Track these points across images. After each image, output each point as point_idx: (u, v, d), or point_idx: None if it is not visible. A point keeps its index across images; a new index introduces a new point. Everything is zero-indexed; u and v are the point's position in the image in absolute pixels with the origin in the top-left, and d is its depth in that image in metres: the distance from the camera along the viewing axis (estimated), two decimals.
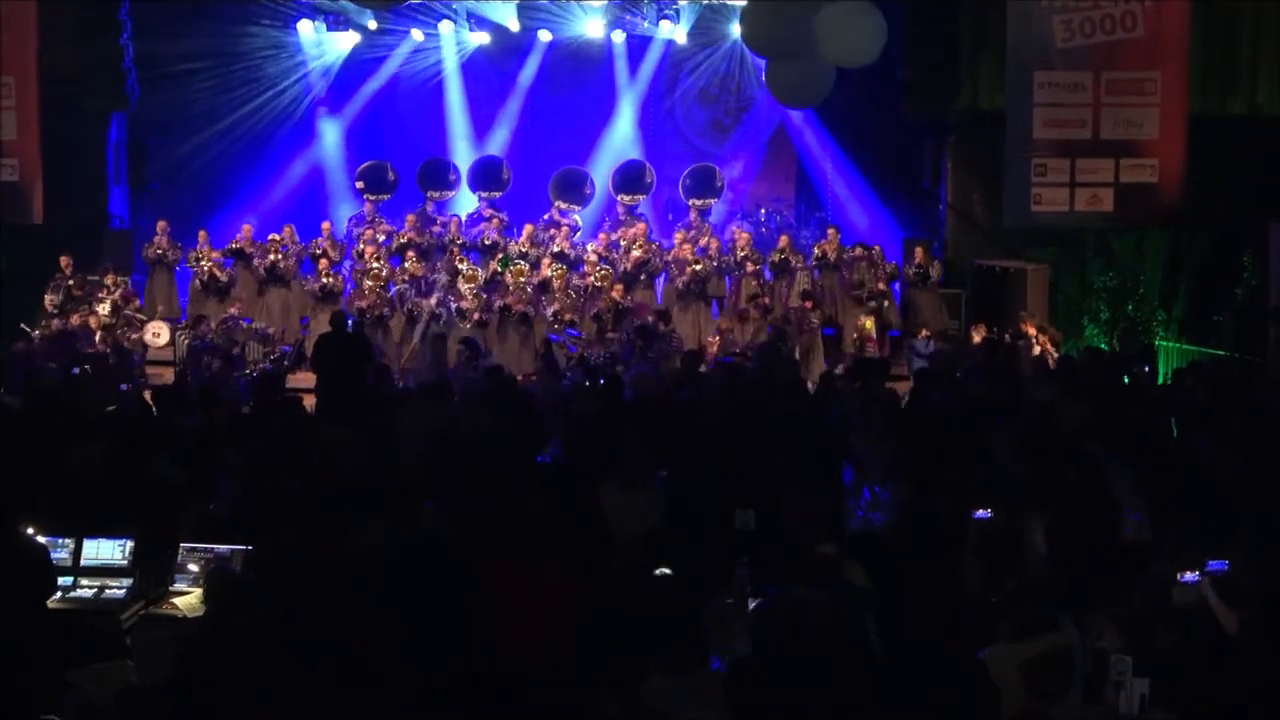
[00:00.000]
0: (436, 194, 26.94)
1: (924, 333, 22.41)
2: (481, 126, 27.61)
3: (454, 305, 23.01)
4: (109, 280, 23.49)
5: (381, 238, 25.03)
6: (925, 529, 9.92)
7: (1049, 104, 23.20)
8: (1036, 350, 20.69)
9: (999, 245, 24.82)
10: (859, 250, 24.39)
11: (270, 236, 24.57)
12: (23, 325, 22.45)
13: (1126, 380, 18.14)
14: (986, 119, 24.31)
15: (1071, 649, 7.35)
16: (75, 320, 22.33)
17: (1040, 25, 23.04)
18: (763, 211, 27.56)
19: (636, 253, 24.32)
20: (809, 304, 22.98)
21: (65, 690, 8.31)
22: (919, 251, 24.27)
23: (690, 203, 26.74)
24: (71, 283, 23.35)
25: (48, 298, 23.05)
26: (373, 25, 26.27)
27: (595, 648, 7.99)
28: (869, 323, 23.06)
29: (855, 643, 7.59)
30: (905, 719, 6.98)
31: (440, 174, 27.12)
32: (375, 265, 23.69)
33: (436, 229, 25.63)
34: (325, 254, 24.29)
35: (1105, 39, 22.97)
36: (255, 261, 24.30)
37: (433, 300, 23.07)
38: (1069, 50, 23.03)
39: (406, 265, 23.85)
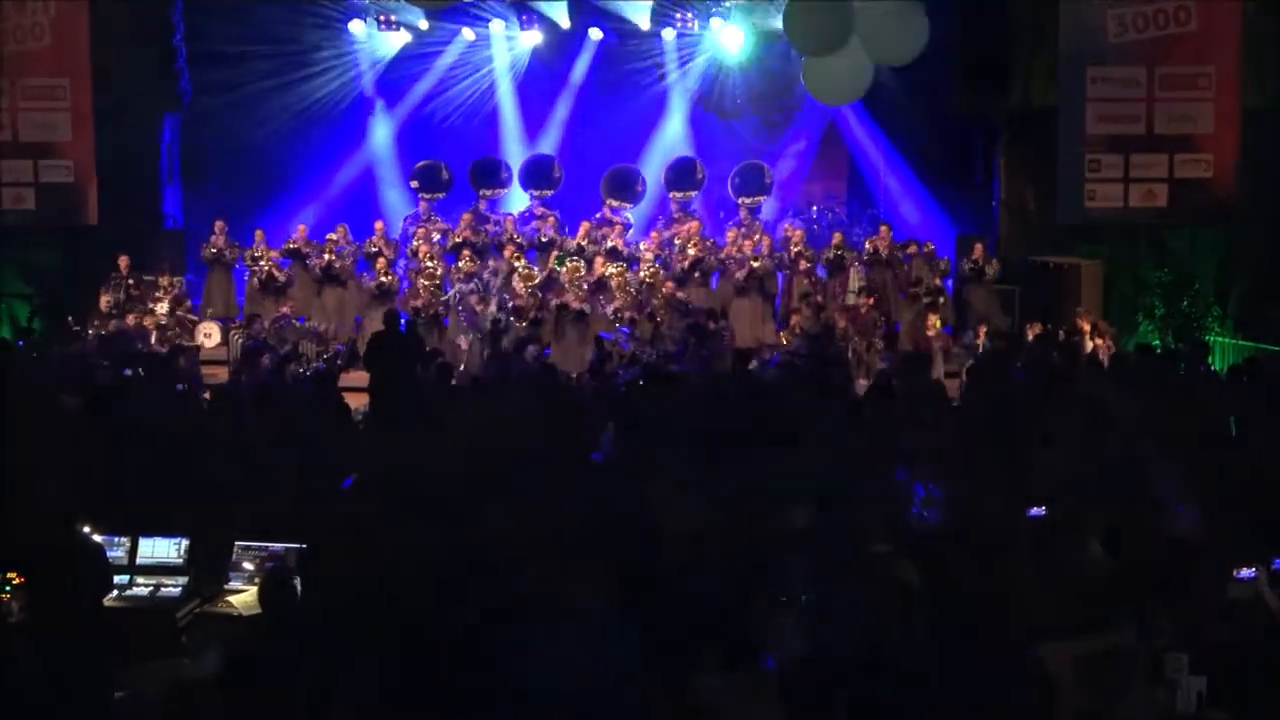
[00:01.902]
0: (489, 192, 26.95)
1: (983, 330, 22.30)
2: (533, 125, 27.66)
3: (510, 304, 23.09)
4: (165, 281, 23.66)
5: (436, 236, 25.11)
6: (979, 527, 9.88)
7: (1102, 99, 23.09)
8: (1090, 346, 20.59)
9: (1051, 241, 24.68)
10: (913, 247, 24.34)
11: (328, 236, 24.73)
12: (70, 319, 22.59)
13: (1182, 375, 18.03)
14: (1039, 115, 24.21)
15: (1129, 647, 7.31)
16: (131, 320, 22.47)
17: (1093, 20, 22.93)
18: (815, 209, 27.53)
19: (692, 251, 24.33)
20: (870, 300, 22.93)
21: (120, 688, 8.36)
22: (978, 248, 24.19)
23: (740, 201, 26.67)
24: (131, 282, 23.52)
25: (104, 298, 23.21)
26: (424, 25, 26.36)
27: (644, 647, 7.98)
28: (936, 321, 22.95)
29: (908, 641, 7.56)
30: (959, 718, 6.95)
31: (492, 172, 27.12)
32: (429, 264, 23.79)
33: (491, 227, 25.67)
34: (381, 252, 24.41)
35: (1159, 33, 22.85)
36: (311, 261, 24.45)
37: (493, 306, 23.12)
38: (1122, 45, 22.90)
39: (461, 264, 23.92)
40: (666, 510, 10.57)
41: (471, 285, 23.49)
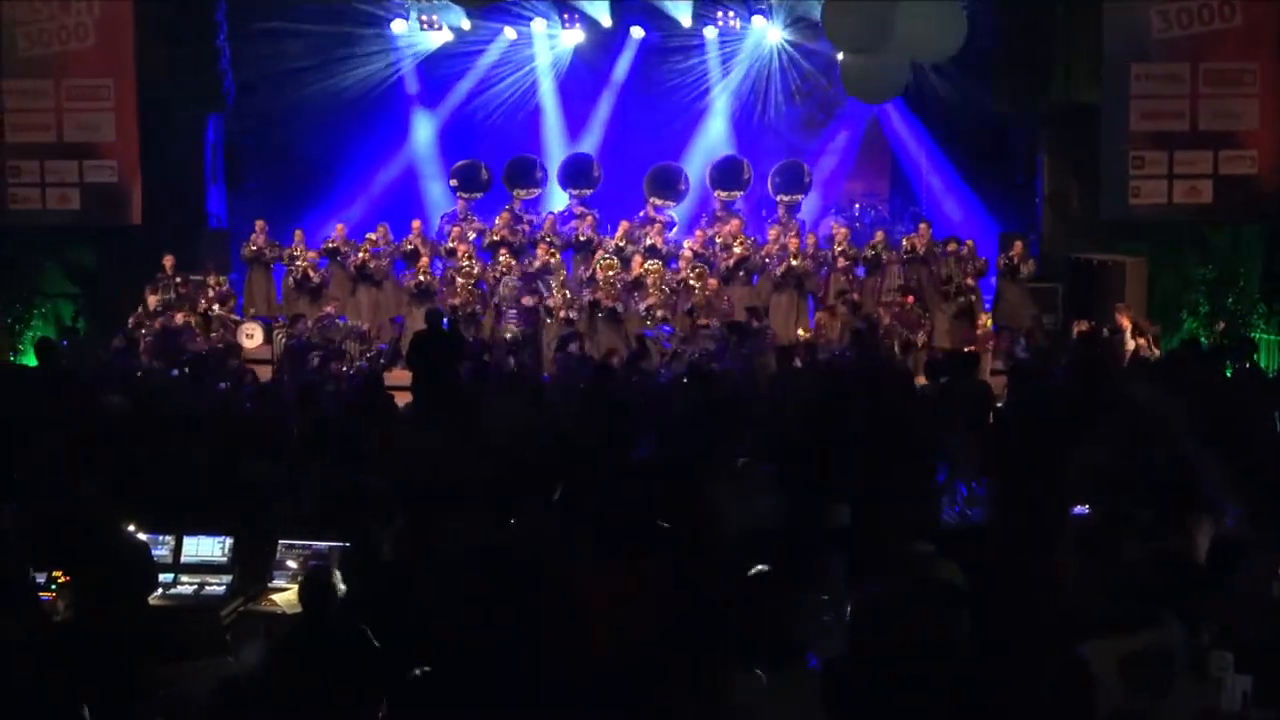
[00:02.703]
0: (523, 192, 27.00)
1: (1034, 337, 22.18)
2: (574, 124, 27.67)
3: (547, 302, 23.16)
4: (211, 280, 23.75)
5: (473, 235, 25.17)
6: (1022, 525, 9.84)
7: (1146, 96, 23.00)
8: (1132, 344, 20.48)
9: (1094, 239, 24.54)
10: (953, 245, 24.25)
11: (367, 236, 24.82)
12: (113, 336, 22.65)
13: (1228, 374, 17.91)
14: (1081, 112, 24.08)
15: (1173, 645, 7.27)
16: (178, 319, 22.57)
17: (1137, 17, 22.83)
18: (857, 207, 27.47)
19: (738, 249, 24.31)
20: (910, 299, 22.85)
21: (164, 686, 8.41)
22: (1016, 245, 24.08)
23: (779, 199, 26.65)
24: (178, 281, 23.61)
25: (152, 297, 23.31)
26: (466, 25, 26.38)
27: (686, 645, 7.97)
28: (988, 320, 22.87)
29: (950, 641, 7.54)
30: (1002, 717, 6.93)
31: (527, 172, 27.17)
32: (466, 263, 23.85)
33: (527, 226, 25.71)
34: (419, 251, 24.49)
35: (1203, 29, 22.74)
36: (346, 260, 24.52)
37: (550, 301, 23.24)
38: (1166, 41, 22.81)
39: (501, 261, 24.00)
40: (717, 509, 10.56)
41: (532, 283, 23.56)
